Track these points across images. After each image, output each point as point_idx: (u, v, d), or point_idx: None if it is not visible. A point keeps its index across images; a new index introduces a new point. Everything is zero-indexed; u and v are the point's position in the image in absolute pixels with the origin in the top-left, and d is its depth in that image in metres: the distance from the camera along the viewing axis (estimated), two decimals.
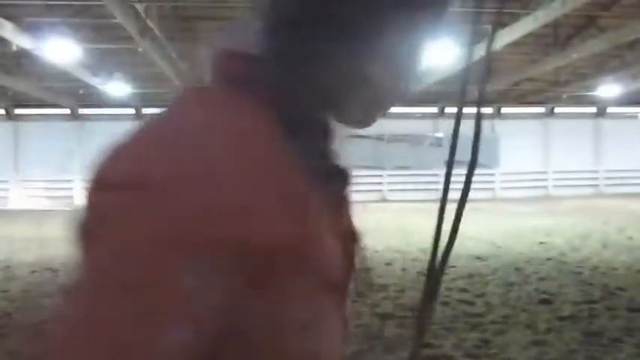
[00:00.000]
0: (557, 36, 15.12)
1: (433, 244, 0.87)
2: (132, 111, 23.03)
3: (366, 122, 0.74)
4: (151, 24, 12.01)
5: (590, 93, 20.66)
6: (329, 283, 0.64)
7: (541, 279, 7.06)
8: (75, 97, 21.13)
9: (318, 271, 0.62)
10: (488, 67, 0.92)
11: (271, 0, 0.67)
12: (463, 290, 6.51)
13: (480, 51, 1.02)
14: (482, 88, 0.89)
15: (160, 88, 19.35)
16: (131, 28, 11.48)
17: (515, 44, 13.78)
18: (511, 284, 6.80)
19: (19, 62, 16.52)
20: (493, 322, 5.20)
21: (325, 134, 0.70)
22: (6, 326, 5.19)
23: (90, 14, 13.22)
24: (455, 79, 17.93)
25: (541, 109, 24.49)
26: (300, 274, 0.59)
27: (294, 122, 0.62)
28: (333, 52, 0.66)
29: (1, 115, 22.70)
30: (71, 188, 22.58)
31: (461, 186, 0.82)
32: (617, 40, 12.98)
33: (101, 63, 16.79)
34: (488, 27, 1.11)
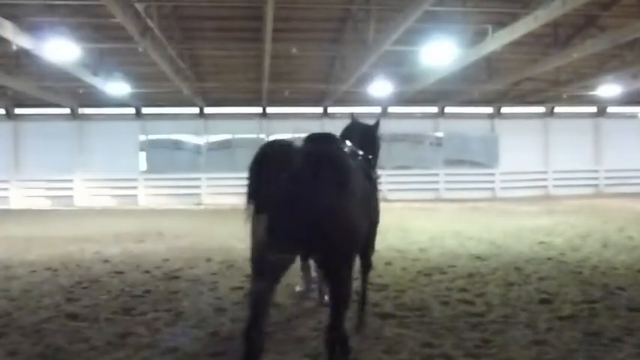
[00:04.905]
0: (558, 36, 15.12)
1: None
2: (132, 111, 23.03)
3: None
4: (151, 24, 12.00)
5: (590, 92, 20.66)
6: None
7: (541, 279, 7.06)
8: (75, 97, 21.11)
9: None
10: None
11: None
12: (463, 290, 6.51)
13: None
14: None
15: (160, 88, 19.34)
16: (131, 28, 11.48)
17: (516, 44, 13.78)
18: (511, 284, 6.79)
19: (19, 62, 16.52)
20: (493, 322, 5.20)
21: None
22: (6, 326, 5.19)
23: (90, 14, 13.21)
24: (454, 79, 17.94)
25: (541, 109, 24.50)
26: None
27: None
28: None
29: (1, 115, 22.69)
30: (71, 188, 22.57)
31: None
32: (617, 40, 12.99)
33: (101, 63, 16.79)
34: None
